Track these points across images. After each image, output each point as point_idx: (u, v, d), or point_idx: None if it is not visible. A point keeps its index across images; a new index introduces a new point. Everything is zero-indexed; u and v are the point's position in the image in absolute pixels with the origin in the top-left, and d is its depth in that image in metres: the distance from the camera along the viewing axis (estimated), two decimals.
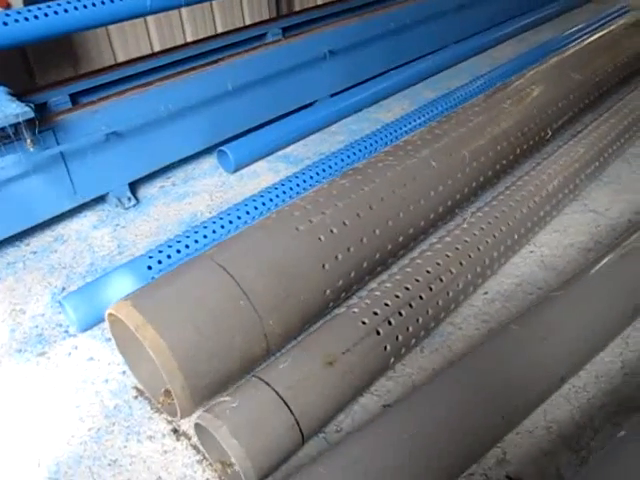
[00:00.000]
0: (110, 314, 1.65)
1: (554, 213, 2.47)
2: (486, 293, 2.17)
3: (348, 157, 2.90)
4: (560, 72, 3.08)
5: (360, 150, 2.96)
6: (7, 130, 2.33)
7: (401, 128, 3.19)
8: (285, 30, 3.83)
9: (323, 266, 1.82)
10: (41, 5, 2.53)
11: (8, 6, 2.69)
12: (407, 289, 1.80)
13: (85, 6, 2.58)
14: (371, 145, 3.01)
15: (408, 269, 1.89)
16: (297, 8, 4.86)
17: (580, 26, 4.84)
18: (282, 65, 3.50)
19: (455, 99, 3.60)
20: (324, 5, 4.52)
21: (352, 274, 1.92)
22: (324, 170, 2.76)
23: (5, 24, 2.38)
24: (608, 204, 2.66)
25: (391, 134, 3.14)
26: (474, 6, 4.79)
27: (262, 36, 3.77)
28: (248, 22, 4.46)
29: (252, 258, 1.75)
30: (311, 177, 2.71)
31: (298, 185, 2.66)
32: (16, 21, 2.42)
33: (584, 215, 2.59)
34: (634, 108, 3.03)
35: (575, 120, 3.13)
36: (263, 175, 3.14)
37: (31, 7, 2.51)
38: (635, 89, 3.23)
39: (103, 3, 2.62)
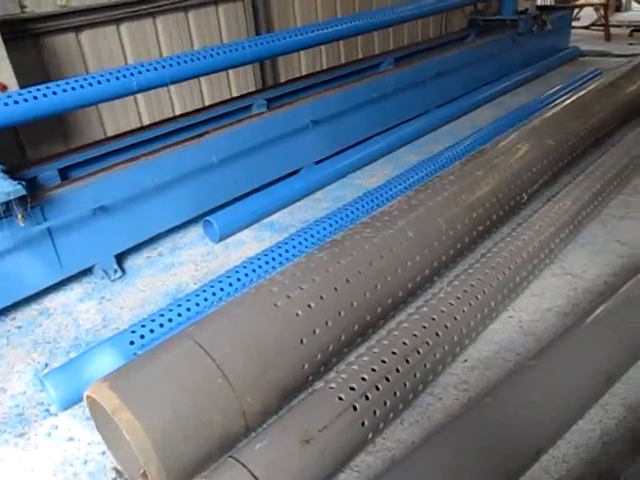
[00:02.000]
0: (88, 396, 1.66)
1: (531, 277, 2.51)
2: (465, 361, 2.19)
3: (330, 225, 2.97)
4: (534, 138, 3.19)
5: (342, 218, 3.03)
6: None
7: (382, 195, 3.28)
8: (270, 101, 3.99)
9: (301, 341, 1.85)
10: (40, 86, 2.64)
11: (4, 88, 2.79)
12: (384, 362, 1.82)
13: (74, 88, 2.71)
14: (352, 212, 3.08)
15: (385, 341, 1.91)
16: (282, 79, 5.05)
17: (555, 89, 5.05)
18: (267, 135, 3.63)
19: (436, 163, 3.70)
20: (308, 76, 4.73)
21: (330, 347, 1.94)
22: (306, 239, 2.81)
23: (6, 104, 2.48)
24: (584, 266, 2.71)
25: (373, 201, 3.22)
26: (452, 73, 5.02)
27: (248, 107, 3.92)
28: (235, 94, 4.62)
29: (230, 336, 1.77)
30: (294, 247, 2.76)
31: (281, 255, 2.70)
32: (15, 102, 2.53)
33: (561, 278, 2.63)
34: (606, 170, 3.12)
35: (551, 183, 3.22)
36: (248, 244, 3.20)
37: (30, 89, 2.62)
38: (606, 151, 3.34)
39: (91, 85, 2.75)
